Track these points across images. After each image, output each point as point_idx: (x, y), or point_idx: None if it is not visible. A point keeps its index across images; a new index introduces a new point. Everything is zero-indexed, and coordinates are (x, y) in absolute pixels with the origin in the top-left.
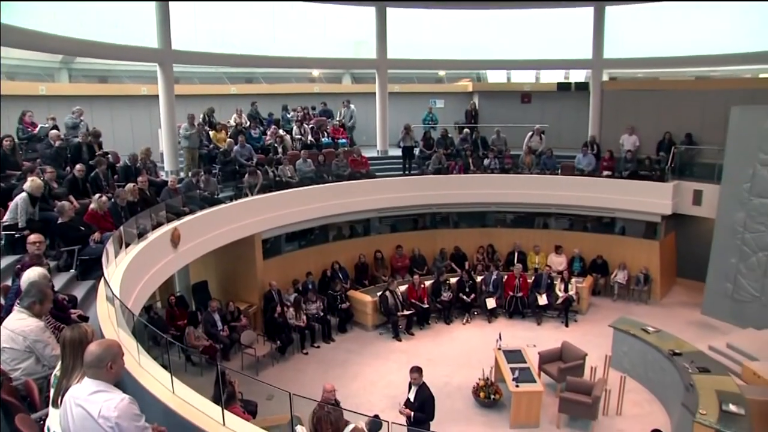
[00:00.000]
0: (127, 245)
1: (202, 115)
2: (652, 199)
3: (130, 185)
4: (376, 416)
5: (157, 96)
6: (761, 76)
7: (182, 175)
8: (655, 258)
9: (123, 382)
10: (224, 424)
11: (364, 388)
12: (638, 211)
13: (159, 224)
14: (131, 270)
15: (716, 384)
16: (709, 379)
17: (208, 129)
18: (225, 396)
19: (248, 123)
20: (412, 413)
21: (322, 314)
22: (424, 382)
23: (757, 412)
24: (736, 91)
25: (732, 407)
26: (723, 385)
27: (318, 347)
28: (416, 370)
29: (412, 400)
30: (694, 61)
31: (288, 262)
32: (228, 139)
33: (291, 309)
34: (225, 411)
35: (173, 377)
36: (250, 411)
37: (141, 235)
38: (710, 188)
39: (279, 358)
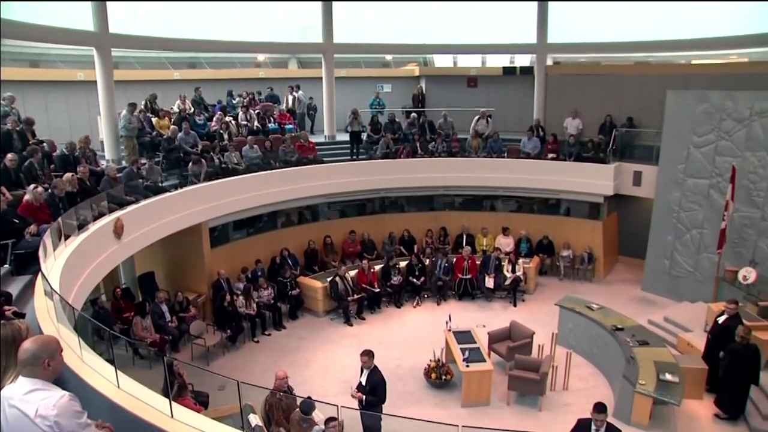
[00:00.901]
0: (67, 237)
1: (144, 102)
2: (595, 180)
3: (68, 175)
4: (309, 398)
5: (95, 82)
6: (694, 62)
7: (124, 163)
8: (599, 237)
9: (64, 379)
10: (172, 417)
11: (317, 374)
12: (582, 192)
13: (101, 215)
14: (72, 263)
15: (654, 355)
16: (648, 351)
17: (150, 116)
18: (175, 388)
19: (192, 109)
20: (364, 396)
21: (272, 302)
22: (375, 366)
23: (689, 379)
24: (672, 76)
25: (668, 376)
26: (660, 356)
27: (269, 335)
28: (366, 354)
29: (363, 383)
30: (634, 46)
31: (236, 250)
32: (172, 126)
33: (241, 297)
34: (174, 403)
35: (118, 371)
36: (201, 402)
37: (81, 227)
38: (649, 169)
39: (230, 348)
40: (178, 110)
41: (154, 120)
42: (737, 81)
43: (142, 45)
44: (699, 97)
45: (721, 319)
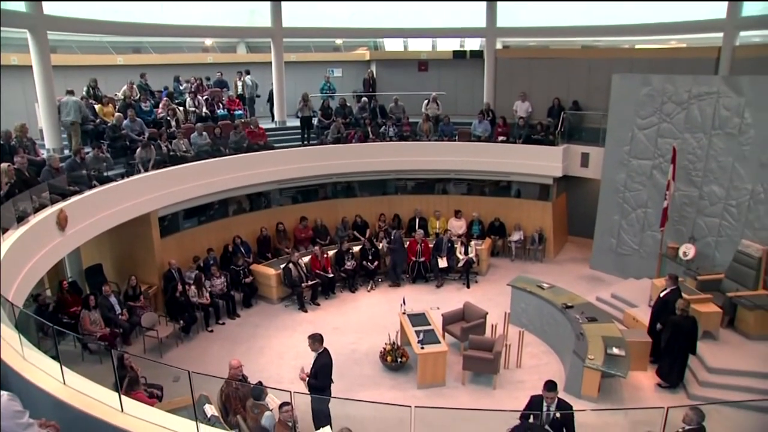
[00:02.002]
0: (5, 231)
1: (85, 88)
2: (544, 162)
3: (4, 165)
4: (259, 383)
5: (31, 67)
6: (637, 47)
7: (67, 152)
8: (549, 218)
9: (5, 378)
10: (122, 411)
11: (272, 361)
12: (532, 174)
13: (42, 206)
14: (10, 258)
15: (602, 331)
16: (597, 327)
17: (93, 102)
18: (126, 382)
19: (138, 95)
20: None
21: (225, 290)
22: (325, 349)
23: (635, 352)
24: (618, 60)
25: (615, 350)
26: (608, 332)
27: (223, 324)
28: (311, 337)
29: (311, 367)
30: (581, 31)
31: (187, 239)
32: (116, 113)
33: (193, 287)
34: (125, 397)
35: (64, 368)
36: (155, 395)
37: (21, 219)
38: (596, 151)
39: (183, 338)
40: (123, 97)
41: (97, 107)
42: (677, 65)
43: (80, 28)
44: (642, 81)
45: (663, 294)
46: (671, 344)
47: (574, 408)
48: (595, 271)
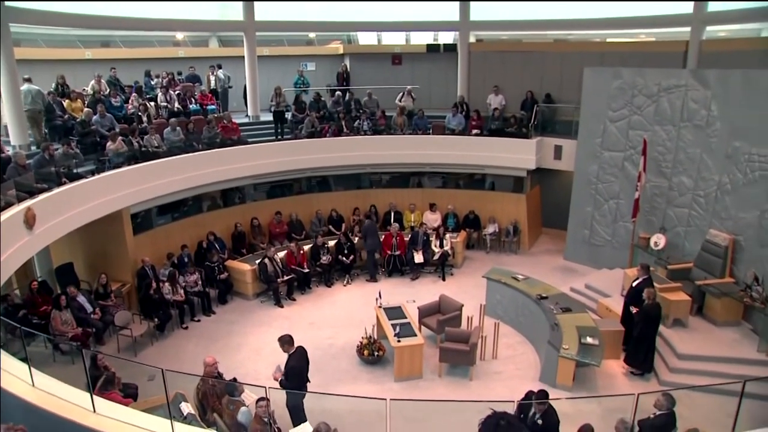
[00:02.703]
0: None
1: (53, 85)
2: (518, 155)
3: None
4: (234, 379)
5: None
6: (608, 40)
7: (34, 149)
8: (523, 210)
9: None
10: (95, 412)
11: (249, 357)
12: (506, 167)
13: (8, 204)
14: None
15: (576, 321)
16: (571, 317)
17: (60, 99)
18: (102, 382)
19: (108, 90)
20: (279, 379)
21: (200, 287)
22: (297, 350)
23: (608, 341)
24: (590, 54)
25: (589, 339)
26: (582, 321)
27: (198, 321)
28: (280, 340)
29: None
30: (553, 24)
31: (161, 235)
32: (85, 109)
33: (167, 284)
34: (97, 398)
35: (33, 369)
36: (130, 394)
37: None
38: (569, 143)
39: (158, 337)
40: (92, 92)
41: (65, 103)
42: (647, 59)
43: (45, 20)
44: (613, 74)
45: (635, 283)
46: (644, 332)
47: (550, 397)
48: (568, 262)
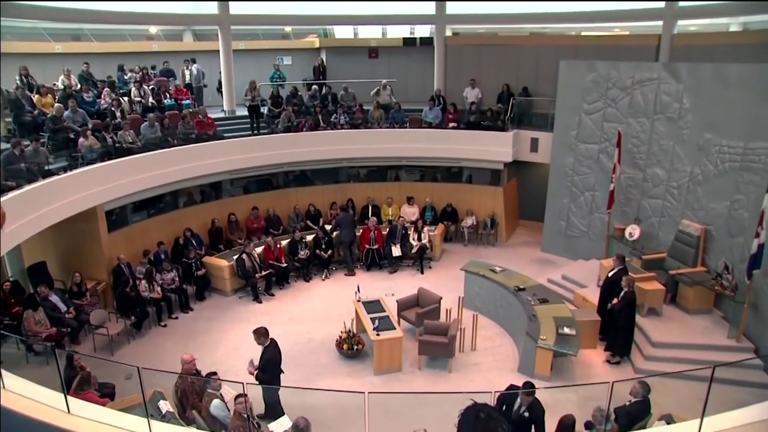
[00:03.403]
0: None
1: (17, 77)
2: (495, 148)
3: None
4: (214, 373)
5: None
6: (583, 34)
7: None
8: (500, 203)
9: None
10: (69, 412)
11: (228, 354)
12: (483, 159)
13: None
14: None
15: (554, 311)
16: (548, 308)
17: (29, 93)
18: (77, 382)
19: (79, 85)
20: (255, 372)
21: (177, 284)
22: (271, 342)
23: (585, 331)
24: (565, 47)
25: (566, 330)
26: (559, 312)
27: (176, 318)
28: (255, 332)
29: (259, 360)
30: (529, 18)
31: (137, 232)
32: (56, 104)
33: (143, 281)
34: (72, 398)
35: (3, 371)
36: (107, 394)
37: None
38: (545, 136)
39: (135, 335)
40: (63, 86)
41: (35, 98)
42: (621, 52)
43: (12, 12)
44: (588, 67)
45: (611, 274)
46: (627, 319)
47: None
48: (545, 254)
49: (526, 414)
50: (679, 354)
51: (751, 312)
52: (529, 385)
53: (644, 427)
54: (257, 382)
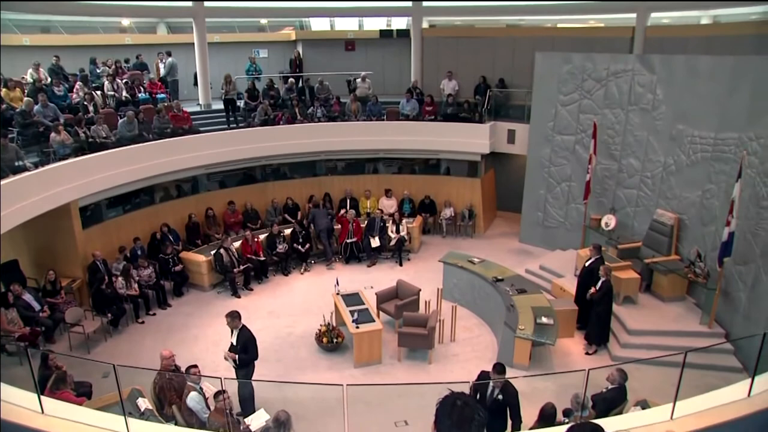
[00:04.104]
0: None
1: None
2: (472, 139)
3: None
4: (194, 365)
5: None
6: (559, 26)
7: None
8: (478, 194)
9: None
10: (43, 413)
11: (207, 349)
12: (460, 151)
13: None
14: None
15: (532, 301)
16: (526, 298)
17: None
18: (51, 381)
19: (50, 79)
20: (236, 356)
21: (154, 280)
22: (244, 325)
23: (562, 320)
24: (541, 39)
25: (544, 319)
26: (537, 302)
27: (154, 315)
28: (229, 315)
29: (235, 343)
30: (505, 10)
31: (112, 228)
32: (26, 98)
33: (120, 278)
34: (47, 398)
35: None
36: (84, 393)
37: None
38: (521, 127)
39: (112, 332)
40: (32, 80)
41: (2, 91)
42: (596, 44)
43: None
44: (564, 59)
45: (587, 263)
46: (607, 306)
47: (507, 376)
48: (523, 245)
49: (500, 397)
50: (654, 341)
51: (722, 299)
52: (499, 367)
53: (621, 413)
54: (237, 367)
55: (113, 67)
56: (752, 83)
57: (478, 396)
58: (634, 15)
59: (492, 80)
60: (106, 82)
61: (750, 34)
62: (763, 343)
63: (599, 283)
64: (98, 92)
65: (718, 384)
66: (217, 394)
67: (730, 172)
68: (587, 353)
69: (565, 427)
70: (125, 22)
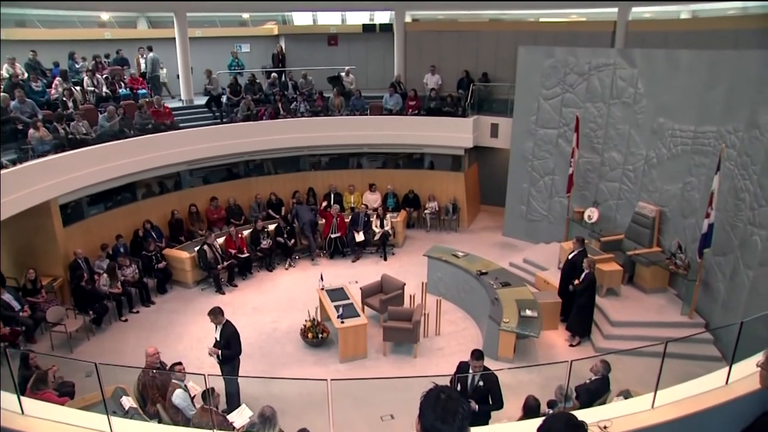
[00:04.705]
0: None
1: None
2: (456, 134)
3: None
4: (179, 363)
5: None
6: (541, 20)
7: None
8: (461, 188)
9: None
10: (23, 413)
11: (192, 346)
12: (444, 146)
13: None
14: None
15: (516, 294)
16: (510, 291)
17: None
18: (32, 382)
19: (26, 75)
20: (219, 351)
21: (137, 278)
22: (227, 321)
23: (546, 313)
24: (524, 33)
25: (528, 312)
26: (521, 295)
27: (137, 312)
28: (211, 313)
29: (218, 339)
30: (488, 4)
31: (94, 226)
32: (2, 94)
33: (104, 276)
34: (28, 399)
35: None
36: (66, 393)
37: None
38: (504, 121)
39: (95, 331)
40: (7, 75)
41: None
42: (578, 38)
43: None
44: (546, 53)
45: (570, 256)
46: (590, 299)
47: (491, 369)
48: (507, 238)
49: (481, 383)
50: (637, 332)
51: (702, 289)
52: (477, 353)
53: (604, 403)
54: (223, 362)
55: (93, 62)
56: (729, 77)
57: (459, 387)
58: (615, 9)
59: (475, 74)
60: (86, 78)
61: (727, 29)
62: (740, 332)
63: (582, 276)
64: (78, 88)
65: (699, 373)
66: (204, 394)
67: (710, 165)
68: (571, 345)
69: None
70: (104, 16)
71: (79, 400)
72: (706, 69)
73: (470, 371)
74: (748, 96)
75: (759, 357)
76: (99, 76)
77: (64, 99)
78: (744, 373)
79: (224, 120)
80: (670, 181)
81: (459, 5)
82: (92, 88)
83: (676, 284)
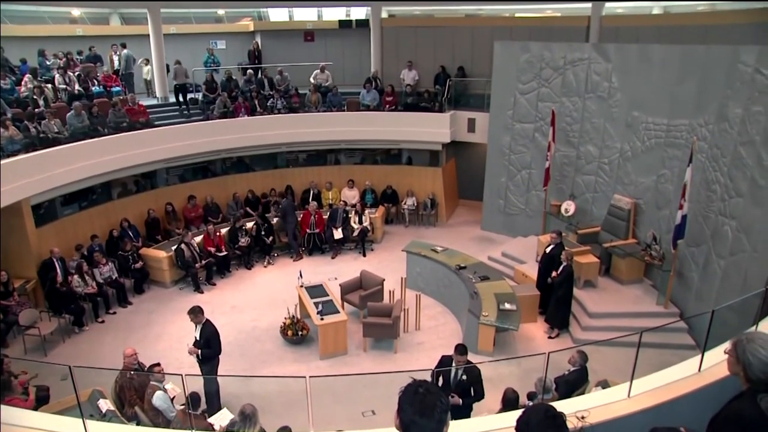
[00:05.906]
0: None
1: None
2: (433, 129)
3: None
4: (157, 364)
5: None
6: (517, 15)
7: None
8: (439, 183)
9: None
10: None
11: (171, 346)
12: (421, 141)
13: None
14: None
15: (494, 288)
16: (489, 285)
17: None
18: None
19: None
20: (199, 350)
21: (114, 278)
22: (207, 320)
23: (525, 306)
24: (500, 28)
25: (507, 305)
26: (500, 288)
27: (114, 313)
28: (191, 312)
29: (198, 338)
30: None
31: (68, 226)
32: None
33: (76, 276)
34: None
35: None
36: (42, 397)
37: None
38: (481, 116)
39: (71, 333)
40: None
41: None
42: (553, 33)
43: None
44: (522, 48)
45: (548, 249)
46: (568, 291)
47: (472, 363)
48: (485, 232)
49: (464, 377)
50: (614, 323)
51: (677, 279)
52: (461, 348)
53: (583, 394)
54: (203, 361)
55: (64, 59)
56: (699, 71)
57: (441, 381)
58: (589, 5)
59: (451, 69)
60: (57, 75)
61: (697, 25)
62: (712, 320)
63: (560, 268)
64: (49, 86)
65: (674, 361)
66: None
67: (683, 158)
68: (550, 337)
69: None
70: (76, 12)
71: (54, 404)
72: (678, 63)
73: (453, 365)
74: (718, 90)
75: (728, 344)
76: (71, 74)
77: (35, 97)
78: (715, 360)
79: (190, 111)
80: (645, 174)
81: (434, 2)
82: (64, 86)
83: (651, 275)
